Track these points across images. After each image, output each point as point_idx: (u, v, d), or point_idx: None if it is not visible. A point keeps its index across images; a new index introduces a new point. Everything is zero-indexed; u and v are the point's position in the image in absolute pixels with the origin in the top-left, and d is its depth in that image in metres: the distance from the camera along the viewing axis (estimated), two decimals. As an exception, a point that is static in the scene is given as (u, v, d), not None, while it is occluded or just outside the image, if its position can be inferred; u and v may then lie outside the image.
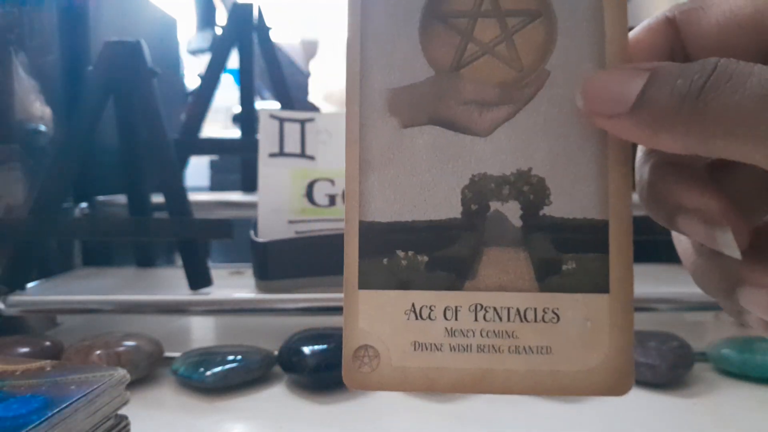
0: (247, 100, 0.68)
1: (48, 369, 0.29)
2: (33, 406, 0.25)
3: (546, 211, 0.19)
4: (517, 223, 0.19)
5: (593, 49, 0.19)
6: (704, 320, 0.55)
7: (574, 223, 0.19)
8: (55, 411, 0.25)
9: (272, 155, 0.53)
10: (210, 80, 0.66)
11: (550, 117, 0.19)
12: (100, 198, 0.65)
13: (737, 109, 0.15)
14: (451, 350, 0.19)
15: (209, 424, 0.36)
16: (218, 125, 1.01)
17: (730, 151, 0.15)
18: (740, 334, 0.46)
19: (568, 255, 0.19)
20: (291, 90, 0.69)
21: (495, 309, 0.19)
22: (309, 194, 0.53)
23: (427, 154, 0.19)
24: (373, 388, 0.19)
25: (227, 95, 0.88)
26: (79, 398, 0.26)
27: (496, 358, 0.19)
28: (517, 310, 0.19)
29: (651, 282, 0.50)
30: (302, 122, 0.55)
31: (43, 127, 0.58)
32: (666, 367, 0.39)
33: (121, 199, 0.62)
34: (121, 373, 0.29)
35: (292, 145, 0.54)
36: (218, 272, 0.54)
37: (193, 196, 0.56)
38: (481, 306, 0.19)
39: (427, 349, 0.19)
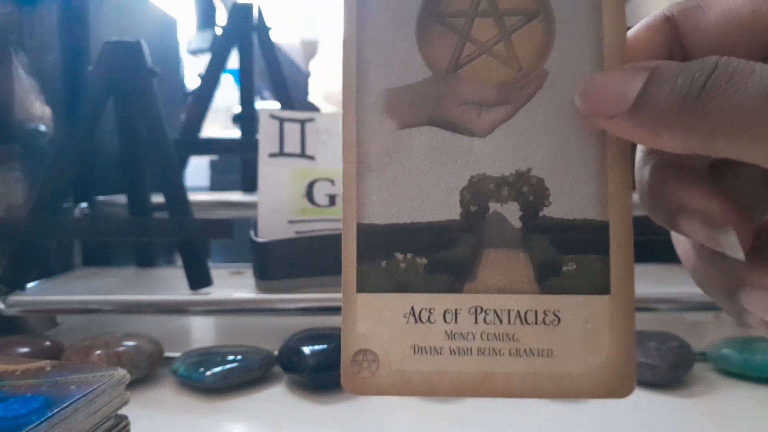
0: (247, 100, 0.68)
1: (48, 369, 0.29)
2: (33, 406, 0.25)
3: (545, 212, 0.19)
4: (517, 224, 0.19)
5: (592, 48, 0.19)
6: (704, 320, 0.55)
7: (573, 224, 0.18)
8: (55, 411, 0.25)
9: (272, 155, 0.53)
10: (210, 80, 0.66)
11: (549, 117, 0.19)
12: (100, 198, 0.65)
13: (739, 108, 0.15)
14: (451, 353, 0.19)
15: (209, 424, 0.36)
16: (218, 125, 1.01)
17: (731, 151, 0.15)
18: (740, 334, 0.46)
19: (568, 256, 0.18)
20: (291, 90, 0.69)
21: (495, 311, 0.19)
22: (309, 194, 0.53)
23: (426, 156, 0.19)
24: (372, 393, 0.19)
25: (227, 95, 0.88)
26: (79, 398, 0.26)
27: (497, 361, 0.18)
28: (518, 312, 0.18)
29: (651, 282, 0.50)
30: (302, 122, 0.55)
31: (43, 127, 0.58)
32: (666, 367, 0.39)
33: (121, 199, 0.62)
34: (121, 373, 0.29)
35: (292, 145, 0.54)
36: (218, 272, 0.54)
37: (193, 196, 0.56)
38: (481, 308, 0.19)
39: (426, 352, 0.19)
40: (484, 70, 0.19)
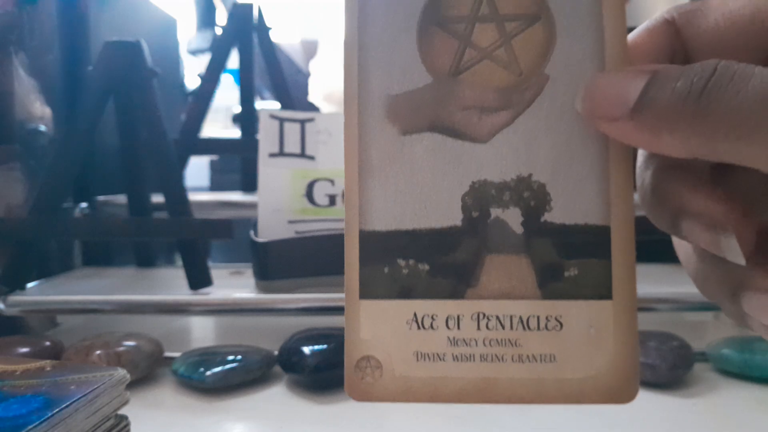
0: (247, 100, 0.68)
1: (48, 369, 0.29)
2: (33, 406, 0.25)
3: (547, 216, 0.19)
4: (519, 229, 0.19)
5: (593, 52, 0.18)
6: (704, 320, 0.55)
7: (575, 229, 0.18)
8: (55, 411, 0.25)
9: (272, 155, 0.53)
10: (210, 80, 0.66)
11: (550, 121, 0.19)
12: (100, 198, 0.65)
13: (739, 111, 0.15)
14: (454, 360, 0.19)
15: (209, 424, 0.36)
16: (218, 125, 1.01)
17: (732, 154, 0.15)
18: (740, 334, 0.46)
19: (570, 261, 0.18)
20: (291, 90, 0.69)
21: (498, 317, 0.19)
22: (309, 194, 0.53)
23: (427, 161, 0.19)
24: (376, 399, 0.19)
25: (227, 95, 0.88)
26: (79, 398, 0.26)
27: (500, 367, 0.18)
28: (520, 318, 0.18)
29: (651, 282, 0.50)
30: (302, 122, 0.55)
31: (43, 127, 0.58)
32: (666, 367, 0.39)
33: (121, 199, 0.62)
34: (121, 373, 0.29)
35: (292, 145, 0.54)
36: (218, 272, 0.54)
37: (193, 196, 0.56)
38: (484, 314, 0.19)
39: (429, 359, 0.19)
40: (485, 75, 0.19)
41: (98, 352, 0.40)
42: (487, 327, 0.19)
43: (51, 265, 0.60)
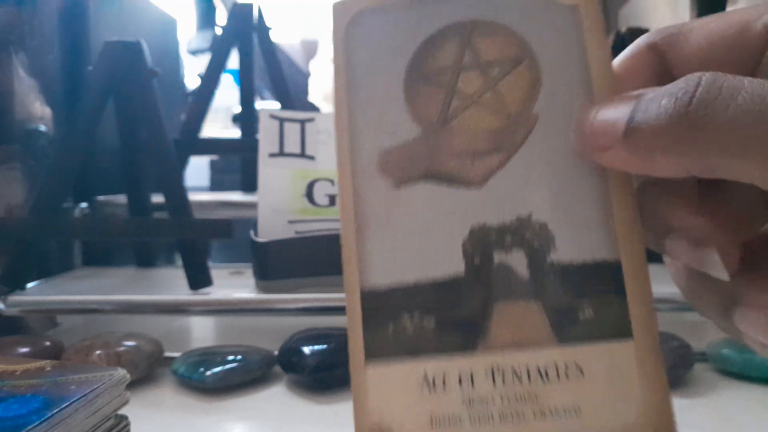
0: (247, 100, 0.68)
1: (48, 369, 0.29)
2: (33, 406, 0.25)
3: (553, 256, 0.18)
4: (525, 272, 0.18)
5: (579, 87, 0.18)
6: (704, 320, 0.55)
7: (584, 267, 0.18)
8: (55, 411, 0.25)
9: (272, 155, 0.53)
10: (210, 80, 0.66)
11: (545, 159, 0.18)
12: (100, 198, 0.65)
13: (731, 126, 0.14)
14: (471, 422, 0.17)
15: (209, 424, 0.36)
16: (218, 125, 1.01)
17: (728, 172, 0.15)
18: (740, 334, 0.46)
19: (583, 301, 0.17)
20: (291, 90, 0.69)
21: (513, 370, 0.17)
22: (309, 194, 0.53)
23: (424, 211, 0.18)
24: None
25: (227, 95, 0.88)
26: (79, 398, 0.26)
27: (521, 426, 0.17)
28: (537, 368, 0.17)
29: (651, 282, 0.50)
30: (302, 122, 0.55)
31: (43, 127, 0.58)
32: (666, 367, 0.39)
33: (121, 199, 0.62)
34: (121, 373, 0.29)
35: (292, 145, 0.54)
36: (218, 272, 0.54)
37: (193, 196, 0.56)
38: (498, 368, 0.17)
39: (445, 423, 0.17)
40: (473, 120, 0.19)
41: (98, 352, 0.40)
42: (502, 382, 0.17)
43: (51, 265, 0.60)
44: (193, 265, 0.51)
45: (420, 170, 0.19)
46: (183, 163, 0.64)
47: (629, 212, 0.18)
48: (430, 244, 0.18)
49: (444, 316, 0.18)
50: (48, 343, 0.43)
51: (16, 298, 0.48)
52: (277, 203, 0.52)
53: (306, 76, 1.12)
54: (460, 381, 0.18)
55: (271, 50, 0.68)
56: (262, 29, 0.68)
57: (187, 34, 1.12)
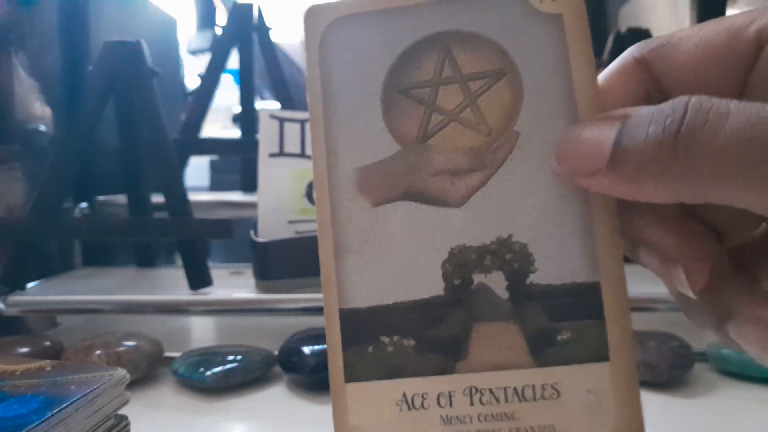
0: (247, 100, 0.68)
1: (48, 369, 0.29)
2: (33, 406, 0.25)
3: (533, 278, 0.18)
4: (504, 294, 0.18)
5: (563, 103, 0.18)
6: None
7: (563, 289, 0.18)
8: (55, 411, 0.25)
9: (272, 155, 0.53)
10: (210, 80, 0.66)
11: (526, 179, 0.18)
12: (100, 198, 0.65)
13: (721, 154, 0.14)
14: None
15: (209, 424, 0.36)
16: (218, 125, 1.01)
17: (720, 198, 0.14)
18: (740, 334, 0.46)
19: (561, 324, 0.17)
20: (291, 90, 0.69)
21: (491, 390, 0.18)
22: (309, 194, 0.53)
23: (403, 231, 0.18)
24: None
25: (227, 95, 0.88)
26: (79, 398, 0.26)
27: None
28: (515, 389, 0.18)
29: (651, 282, 0.50)
30: (302, 122, 0.55)
31: (43, 127, 0.58)
32: (666, 367, 0.39)
33: (121, 199, 0.62)
34: (121, 373, 0.29)
35: (292, 145, 0.54)
36: (218, 272, 0.54)
37: (193, 196, 0.56)
38: (476, 389, 0.18)
39: None
40: (453, 138, 0.18)
41: (98, 352, 0.40)
42: (480, 402, 0.18)
43: (51, 265, 0.60)
44: (193, 265, 0.51)
45: (399, 189, 0.18)
46: (183, 163, 0.64)
47: (611, 234, 0.18)
48: (409, 264, 0.18)
49: (424, 338, 0.18)
50: (48, 343, 0.43)
51: (16, 298, 0.48)
52: (277, 203, 0.52)
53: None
54: (438, 400, 0.18)
55: (271, 50, 0.68)
56: (262, 29, 0.68)
57: (187, 34, 1.12)
